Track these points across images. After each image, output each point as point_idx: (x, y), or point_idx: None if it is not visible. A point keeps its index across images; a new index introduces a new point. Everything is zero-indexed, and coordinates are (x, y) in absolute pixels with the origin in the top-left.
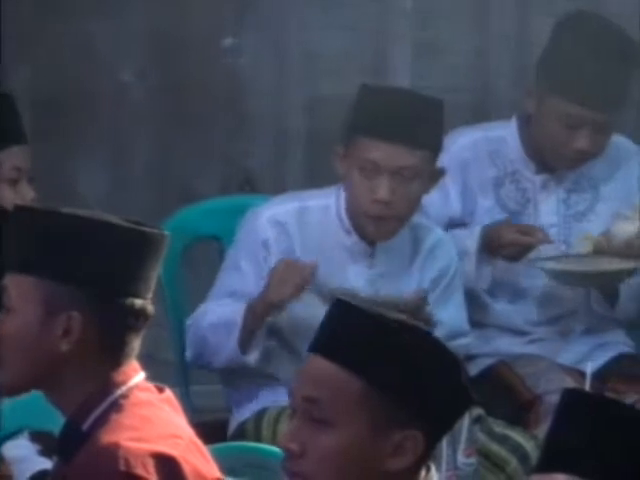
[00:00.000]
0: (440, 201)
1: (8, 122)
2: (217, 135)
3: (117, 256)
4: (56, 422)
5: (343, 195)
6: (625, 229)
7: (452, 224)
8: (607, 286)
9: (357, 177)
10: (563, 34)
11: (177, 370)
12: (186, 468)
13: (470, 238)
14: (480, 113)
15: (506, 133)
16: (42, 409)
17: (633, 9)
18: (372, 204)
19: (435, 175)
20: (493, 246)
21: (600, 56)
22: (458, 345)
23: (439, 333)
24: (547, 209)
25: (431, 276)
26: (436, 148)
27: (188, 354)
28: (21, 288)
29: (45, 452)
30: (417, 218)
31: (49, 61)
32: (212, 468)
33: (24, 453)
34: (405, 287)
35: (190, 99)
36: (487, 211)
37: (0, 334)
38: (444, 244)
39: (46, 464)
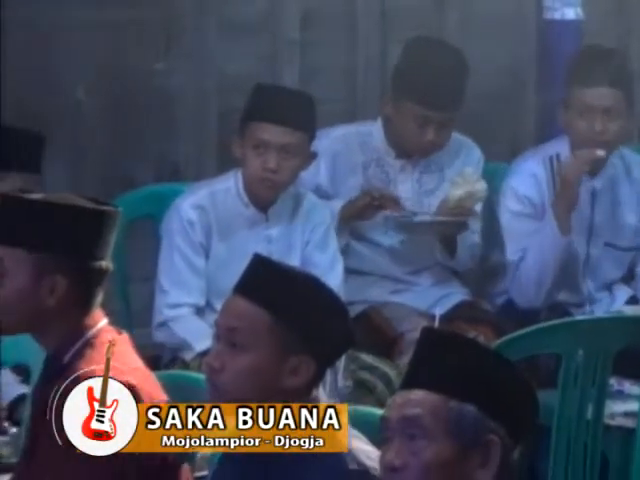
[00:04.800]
0: (312, 172)
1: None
2: (151, 138)
3: (88, 230)
4: (32, 357)
5: (240, 176)
6: (456, 193)
7: (319, 192)
8: (446, 234)
9: (251, 154)
10: (410, 54)
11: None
12: (143, 394)
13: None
14: (351, 119)
15: (373, 128)
16: (21, 347)
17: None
18: (264, 172)
19: (309, 156)
20: (350, 212)
21: (438, 69)
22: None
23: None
24: (404, 187)
25: (310, 229)
26: (311, 133)
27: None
28: (14, 258)
29: (24, 381)
30: (295, 188)
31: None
32: (162, 394)
33: (7, 381)
34: (292, 240)
35: (131, 111)
36: (356, 188)
37: None
38: (317, 205)
39: (25, 390)
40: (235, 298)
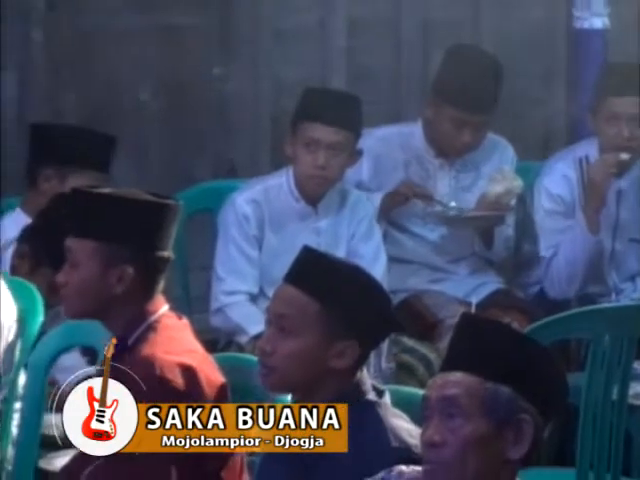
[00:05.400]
0: (354, 169)
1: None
2: (210, 137)
3: (153, 222)
4: (99, 340)
5: (291, 173)
6: (495, 189)
7: (360, 187)
8: (484, 228)
9: (302, 152)
10: (449, 60)
11: (182, 302)
12: (201, 375)
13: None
14: (394, 120)
15: (414, 129)
16: (89, 330)
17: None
18: (314, 169)
19: (356, 154)
20: (389, 201)
21: (475, 75)
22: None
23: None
24: (442, 183)
25: (356, 222)
26: (357, 132)
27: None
28: (84, 249)
29: (91, 362)
30: (341, 184)
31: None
32: (218, 375)
33: (76, 363)
34: (339, 232)
35: (191, 112)
36: (398, 183)
37: (67, 282)
38: (362, 199)
39: (92, 371)
40: (285, 286)
